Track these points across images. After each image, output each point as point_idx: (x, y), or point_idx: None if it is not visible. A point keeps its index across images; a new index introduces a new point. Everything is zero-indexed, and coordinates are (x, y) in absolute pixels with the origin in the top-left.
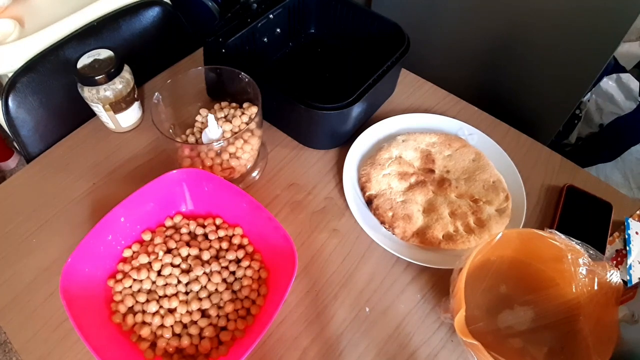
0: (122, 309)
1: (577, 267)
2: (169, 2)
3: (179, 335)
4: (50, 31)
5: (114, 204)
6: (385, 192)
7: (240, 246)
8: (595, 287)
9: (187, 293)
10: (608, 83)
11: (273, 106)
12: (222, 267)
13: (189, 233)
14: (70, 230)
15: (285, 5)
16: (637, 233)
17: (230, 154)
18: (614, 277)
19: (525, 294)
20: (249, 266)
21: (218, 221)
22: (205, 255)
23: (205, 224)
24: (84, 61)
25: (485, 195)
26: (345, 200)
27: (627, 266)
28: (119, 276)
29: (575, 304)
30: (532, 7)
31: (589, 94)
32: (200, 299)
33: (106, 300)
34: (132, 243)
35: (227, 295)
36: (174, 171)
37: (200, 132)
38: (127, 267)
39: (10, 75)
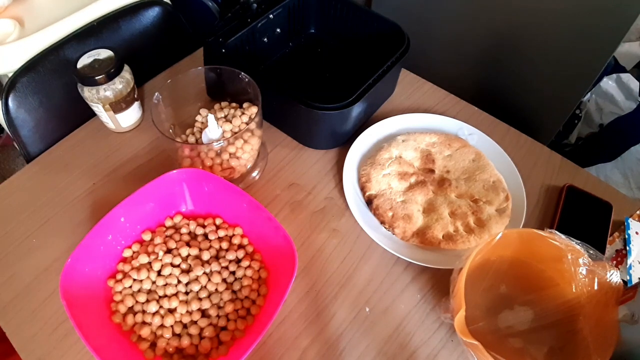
0: (122, 309)
1: (577, 267)
2: (169, 2)
3: (179, 335)
4: (50, 31)
5: (114, 204)
6: (385, 192)
7: (240, 246)
8: (595, 287)
9: (187, 293)
10: (608, 83)
11: (273, 106)
12: (222, 267)
13: (189, 233)
14: (70, 230)
15: (285, 5)
16: (637, 233)
17: (230, 154)
18: (614, 277)
19: (525, 294)
20: (249, 266)
21: (218, 221)
22: (205, 255)
23: (205, 224)
24: (84, 61)
25: (485, 195)
26: (345, 200)
27: (627, 266)
28: (119, 276)
29: (575, 304)
30: (531, 7)
31: (589, 94)
32: (200, 299)
33: (106, 300)
34: (132, 243)
35: (227, 295)
36: (174, 171)
37: (200, 132)
38: (127, 267)
39: (10, 75)
